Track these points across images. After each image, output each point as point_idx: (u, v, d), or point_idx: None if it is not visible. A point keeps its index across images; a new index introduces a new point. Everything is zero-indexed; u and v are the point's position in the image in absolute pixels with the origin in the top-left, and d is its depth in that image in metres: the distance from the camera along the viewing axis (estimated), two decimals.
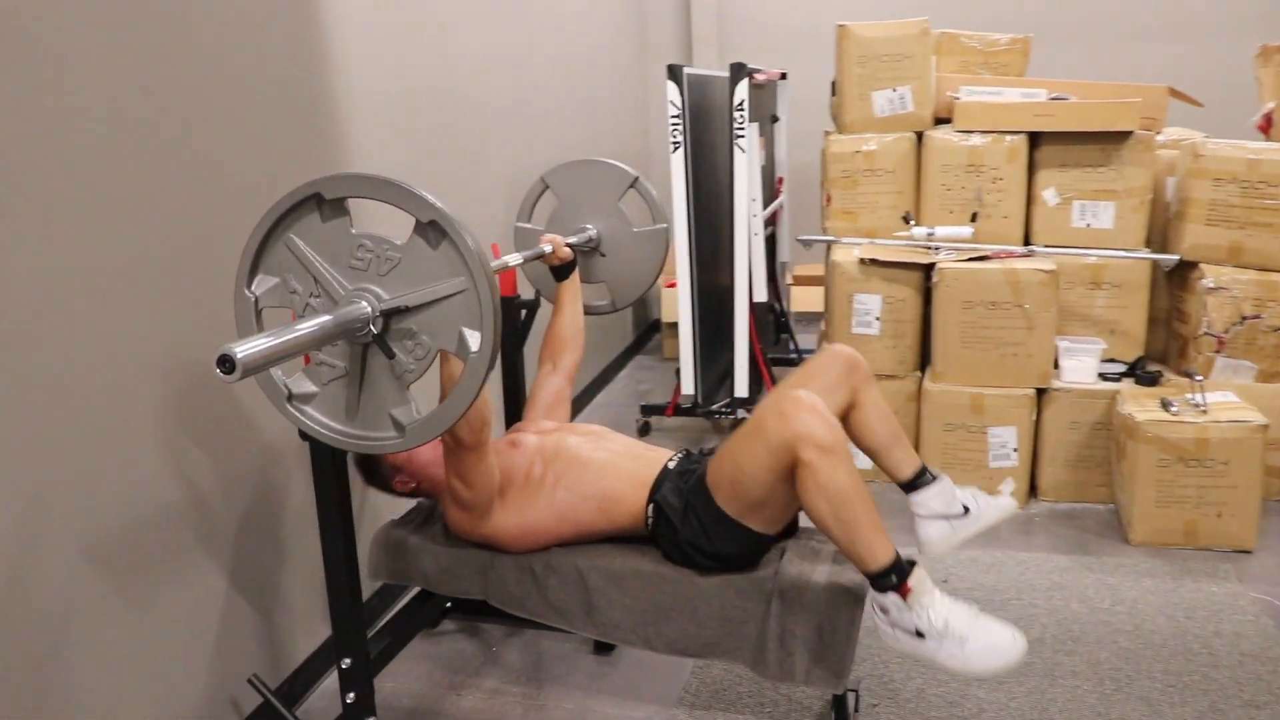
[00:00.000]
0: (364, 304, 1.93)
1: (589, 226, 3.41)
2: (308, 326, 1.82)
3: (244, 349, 1.65)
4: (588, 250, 3.42)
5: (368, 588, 3.08)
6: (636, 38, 6.90)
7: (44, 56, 2.03)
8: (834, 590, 2.52)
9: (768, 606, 2.48)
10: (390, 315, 1.95)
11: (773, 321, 5.87)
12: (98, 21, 2.16)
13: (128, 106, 2.25)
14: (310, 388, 2.07)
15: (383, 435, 2.03)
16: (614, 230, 3.41)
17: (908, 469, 2.73)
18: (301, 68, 2.93)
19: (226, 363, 1.62)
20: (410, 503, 3.19)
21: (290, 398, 2.07)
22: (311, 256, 1.98)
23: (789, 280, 6.23)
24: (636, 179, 3.38)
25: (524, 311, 3.32)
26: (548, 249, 3.10)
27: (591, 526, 2.66)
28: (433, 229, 1.90)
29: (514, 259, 2.90)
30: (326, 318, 1.88)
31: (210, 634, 2.59)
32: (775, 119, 5.69)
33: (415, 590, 3.29)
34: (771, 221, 5.55)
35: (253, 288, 2.03)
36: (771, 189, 5.61)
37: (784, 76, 5.79)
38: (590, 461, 2.68)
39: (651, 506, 2.60)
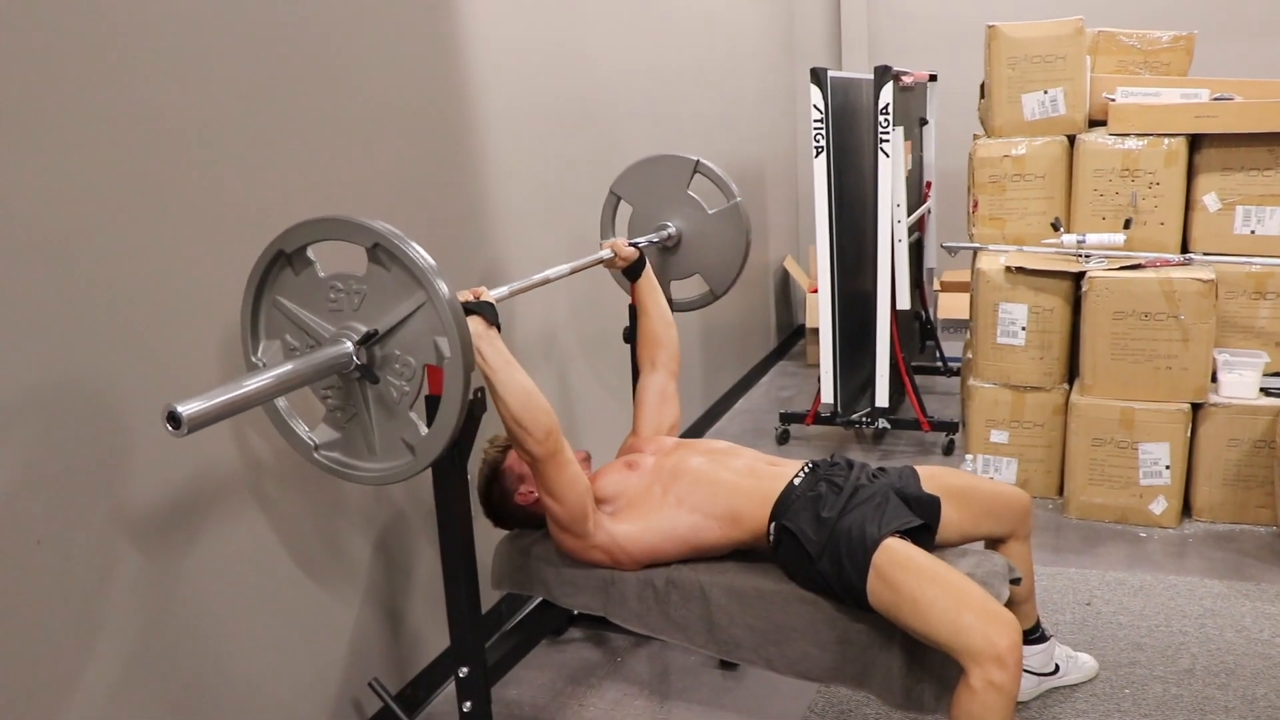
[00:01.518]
0: (344, 342, 1.98)
1: (667, 223, 3.40)
2: (266, 377, 1.84)
3: (189, 407, 1.65)
4: (671, 246, 3.43)
5: (494, 592, 3.14)
6: (784, 39, 6.86)
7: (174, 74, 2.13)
8: None
9: (895, 634, 2.44)
10: (371, 345, 1.99)
11: (918, 328, 5.77)
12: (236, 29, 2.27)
13: (270, 117, 2.35)
14: (333, 434, 2.14)
15: (400, 462, 2.07)
16: (691, 219, 3.39)
17: (1026, 624, 2.83)
18: (440, 84, 3.01)
19: (173, 419, 1.62)
20: None
21: (317, 448, 2.14)
22: (296, 310, 2.05)
23: (936, 286, 6.11)
24: (698, 162, 3.35)
25: None
26: (607, 254, 3.10)
27: (713, 546, 2.63)
28: (380, 252, 1.94)
29: (555, 272, 2.84)
30: (289, 366, 1.90)
31: (342, 638, 2.68)
32: (924, 122, 5.58)
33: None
34: (918, 227, 5.45)
35: (259, 355, 2.10)
36: (919, 193, 5.51)
37: (934, 78, 5.67)
38: (714, 482, 2.63)
39: (774, 526, 2.53)
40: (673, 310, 3.52)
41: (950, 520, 2.54)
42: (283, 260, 2.06)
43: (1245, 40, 6.12)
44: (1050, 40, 4.36)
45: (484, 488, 2.76)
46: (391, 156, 2.80)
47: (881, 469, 2.65)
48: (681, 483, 2.61)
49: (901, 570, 2.27)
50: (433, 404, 2.00)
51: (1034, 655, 2.90)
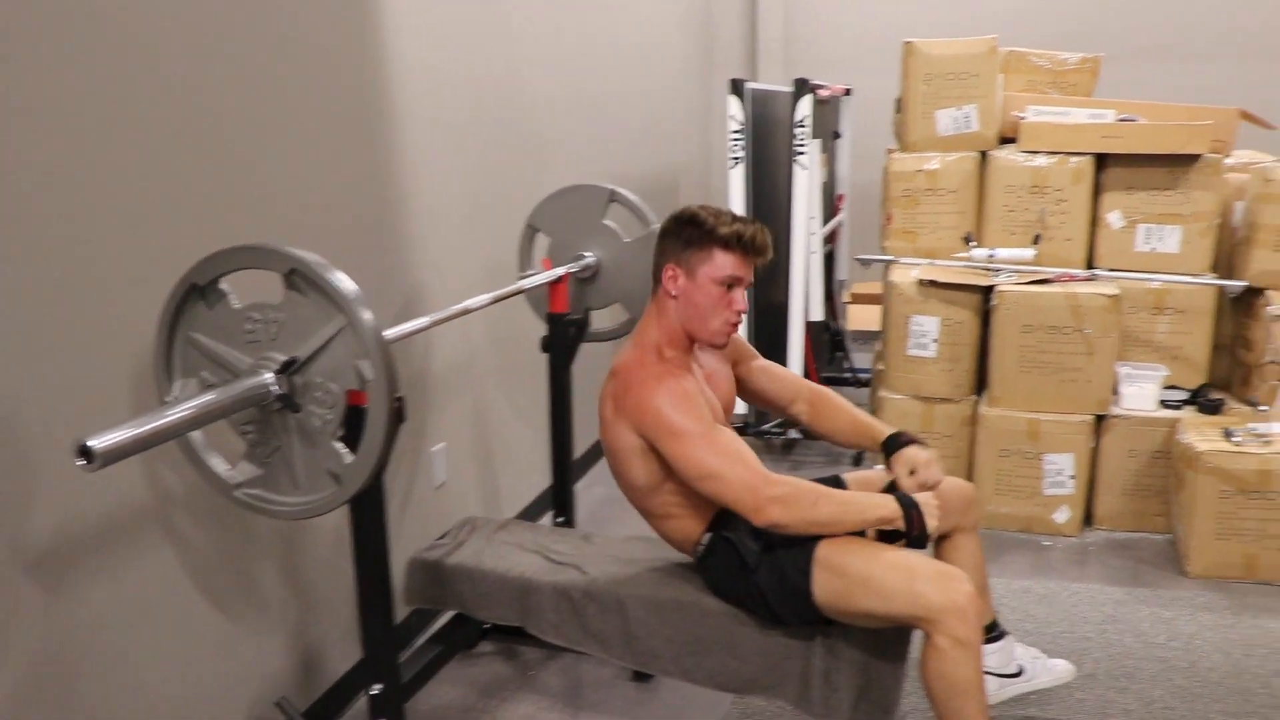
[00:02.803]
0: (262, 373, 1.96)
1: (585, 253, 3.42)
2: (183, 409, 1.81)
3: (102, 441, 1.62)
4: (589, 276, 3.45)
5: (405, 607, 3.10)
6: (702, 52, 6.90)
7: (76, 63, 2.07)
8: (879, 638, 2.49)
9: (812, 643, 2.46)
10: (291, 374, 1.97)
11: (828, 340, 5.84)
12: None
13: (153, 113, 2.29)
14: (254, 471, 2.10)
15: (325, 493, 2.05)
16: (609, 248, 3.43)
17: (983, 621, 2.79)
18: (359, 106, 2.96)
19: (85, 453, 1.60)
20: (444, 525, 3.22)
21: (238, 486, 2.10)
22: (211, 345, 2.02)
23: (846, 298, 6.19)
24: (614, 192, 3.40)
25: (573, 329, 3.34)
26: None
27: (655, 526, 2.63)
28: (297, 278, 1.93)
29: (475, 302, 2.85)
30: (207, 397, 1.87)
31: (249, 658, 2.61)
32: (838, 135, 5.66)
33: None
34: (831, 239, 5.52)
35: (174, 395, 2.04)
36: (832, 206, 5.58)
37: (848, 92, 5.76)
38: None
39: (710, 536, 2.52)
40: (593, 340, 3.55)
41: None
42: (195, 294, 2.02)
43: (1149, 64, 6.31)
44: (964, 58, 4.44)
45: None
46: (309, 181, 2.74)
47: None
48: None
49: (845, 555, 2.35)
50: (356, 430, 1.97)
51: (992, 654, 2.90)
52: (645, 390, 2.38)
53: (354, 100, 2.92)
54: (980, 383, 4.37)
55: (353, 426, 1.98)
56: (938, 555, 2.79)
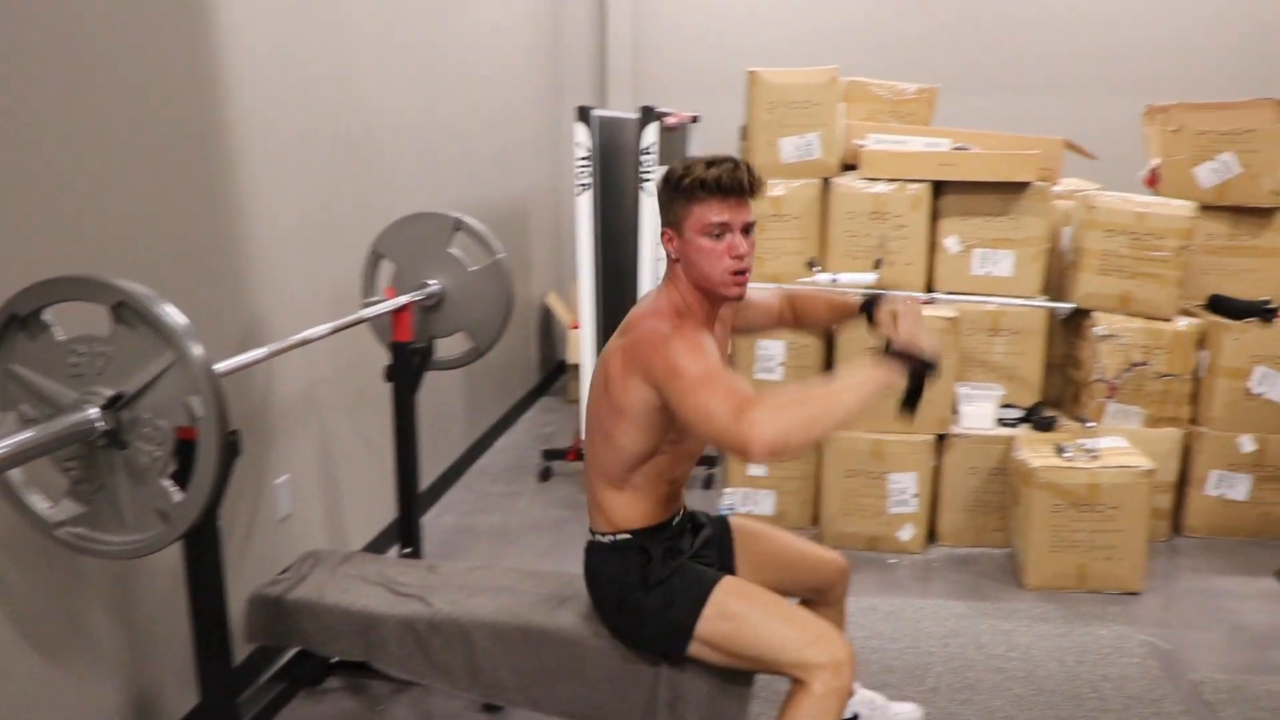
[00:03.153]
0: (86, 408, 1.89)
1: (429, 281, 3.39)
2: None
3: None
4: (434, 305, 3.41)
5: (247, 645, 2.99)
6: (551, 79, 6.91)
7: None
8: None
9: (658, 670, 2.45)
10: (118, 409, 1.90)
11: None
12: None
13: None
14: (78, 509, 2.02)
15: (153, 532, 1.98)
16: (454, 276, 3.40)
17: None
18: (194, 128, 2.86)
19: None
20: (288, 559, 3.12)
21: (59, 525, 2.02)
22: (32, 378, 1.94)
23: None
24: (459, 220, 3.38)
25: (417, 358, 3.29)
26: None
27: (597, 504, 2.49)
28: (125, 311, 1.87)
29: (314, 332, 2.79)
30: (25, 434, 1.79)
31: (70, 702, 2.48)
32: None
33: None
34: None
35: None
36: None
37: (696, 119, 5.81)
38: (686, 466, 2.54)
39: (630, 537, 2.42)
40: (438, 368, 3.50)
41: (769, 582, 2.51)
42: (16, 325, 1.92)
43: (982, 95, 6.55)
44: (806, 87, 4.54)
45: None
46: (140, 205, 2.63)
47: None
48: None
49: (743, 601, 2.34)
50: (186, 468, 1.90)
51: None
52: (658, 338, 2.22)
53: (187, 121, 2.82)
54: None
55: (184, 462, 1.91)
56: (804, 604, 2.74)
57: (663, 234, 2.37)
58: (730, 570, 2.57)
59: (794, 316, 2.80)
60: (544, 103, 6.71)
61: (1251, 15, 6.78)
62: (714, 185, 2.24)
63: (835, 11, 6.94)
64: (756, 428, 1.96)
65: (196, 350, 1.84)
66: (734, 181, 2.25)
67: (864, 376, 2.12)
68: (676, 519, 2.50)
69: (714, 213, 2.25)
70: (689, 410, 2.11)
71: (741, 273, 2.29)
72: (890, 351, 2.22)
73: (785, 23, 6.94)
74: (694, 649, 2.36)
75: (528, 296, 6.38)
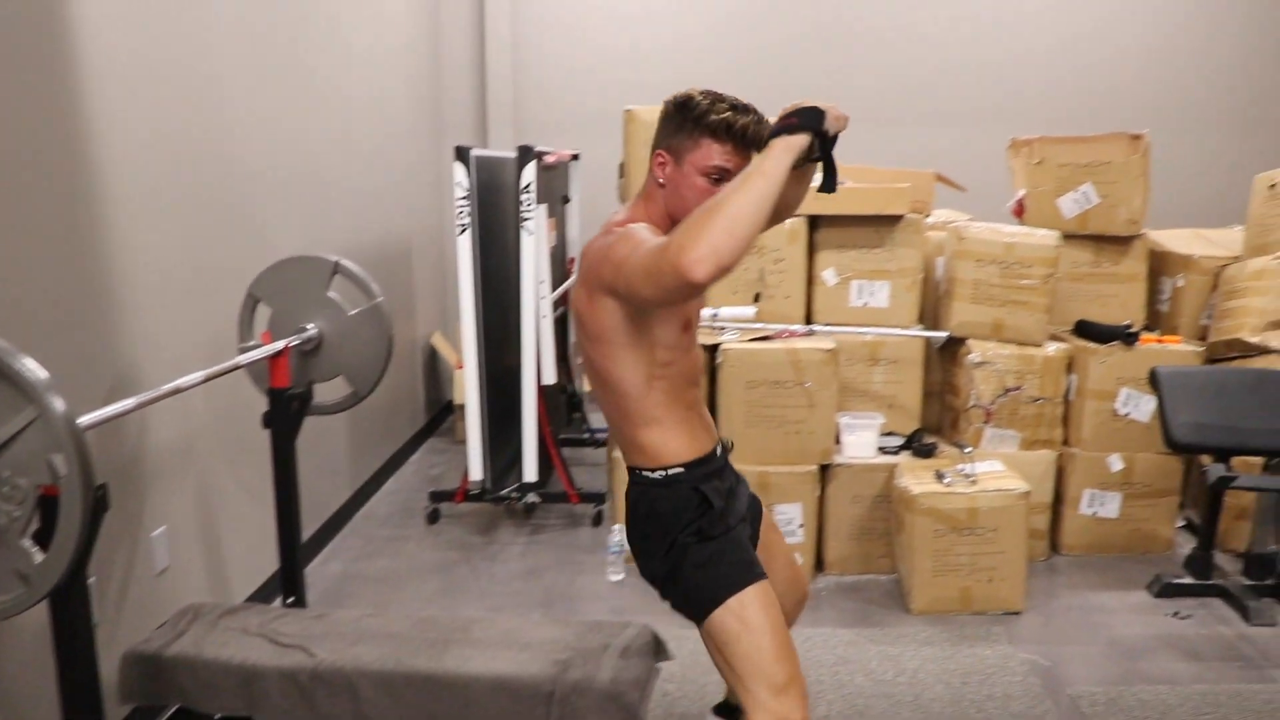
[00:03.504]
0: None
1: (307, 325, 3.34)
2: None
3: None
4: (312, 349, 3.37)
5: (123, 706, 2.89)
6: (432, 118, 6.88)
7: None
8: (615, 694, 2.50)
9: (547, 710, 2.44)
10: None
11: (565, 401, 5.88)
12: None
13: None
14: None
15: (12, 595, 1.92)
16: (333, 320, 3.37)
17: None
18: (56, 166, 2.79)
19: None
20: (166, 614, 3.03)
21: None
22: None
23: (580, 360, 6.25)
24: (338, 263, 3.35)
25: (295, 403, 3.23)
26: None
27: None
28: None
29: (186, 381, 2.73)
30: None
31: None
32: (566, 200, 5.74)
33: None
34: (563, 302, 5.56)
35: None
36: (563, 269, 5.64)
37: (576, 157, 5.86)
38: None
39: (681, 472, 2.36)
40: (317, 413, 3.44)
41: None
42: None
43: (857, 129, 6.65)
44: None
45: None
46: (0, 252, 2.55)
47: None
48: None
49: (762, 614, 2.29)
50: (49, 526, 1.83)
51: None
52: (602, 249, 2.19)
53: (50, 165, 2.74)
54: None
55: (48, 520, 1.84)
56: None
57: (655, 154, 2.31)
58: None
59: None
60: (426, 141, 6.68)
61: (1109, 51, 7.08)
62: (735, 131, 2.19)
63: (716, 50, 7.05)
64: (684, 251, 1.91)
65: (58, 405, 1.78)
66: (756, 136, 2.19)
67: (762, 156, 2.07)
68: (719, 451, 2.47)
69: (722, 157, 2.20)
70: (634, 283, 2.08)
71: None
72: (780, 124, 2.10)
73: (666, 61, 7.02)
74: (696, 620, 2.34)
75: (412, 337, 6.32)
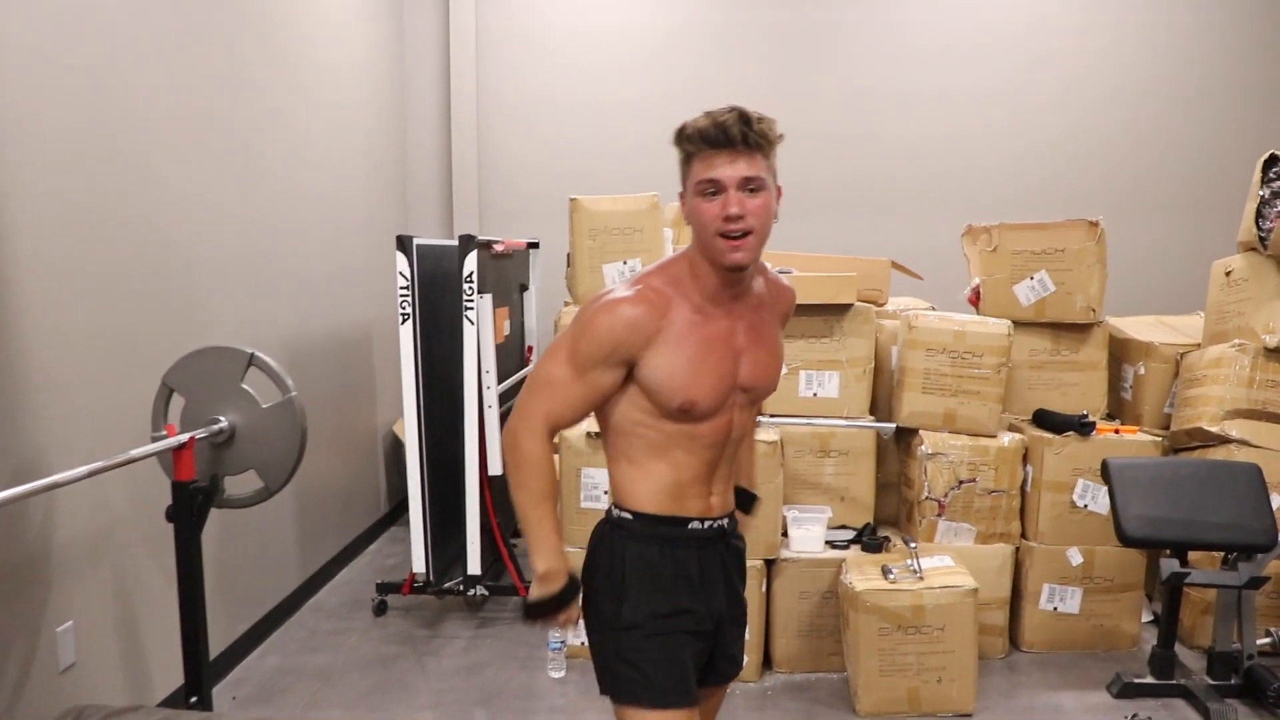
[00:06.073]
0: None
1: (219, 417, 3.27)
2: None
3: None
4: (223, 442, 3.28)
5: None
6: (398, 204, 6.89)
7: None
8: None
9: None
10: None
11: None
12: None
13: None
14: None
15: None
16: (246, 413, 3.29)
17: None
18: None
19: None
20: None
21: None
22: None
23: None
24: (253, 355, 3.28)
25: (200, 496, 3.15)
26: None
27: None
28: None
29: (142, 452, 2.70)
30: None
31: None
32: (524, 288, 5.70)
33: None
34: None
35: None
36: (520, 358, 5.58)
37: (534, 245, 5.82)
38: None
39: (634, 519, 2.27)
40: (226, 507, 3.36)
41: None
42: None
43: (814, 217, 6.67)
44: (628, 214, 4.57)
45: None
46: None
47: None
48: None
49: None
50: None
51: None
52: (580, 314, 2.18)
53: None
54: None
55: None
56: None
57: (680, 198, 2.21)
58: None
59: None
60: (389, 229, 6.66)
61: (1065, 139, 7.08)
62: (697, 137, 2.08)
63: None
64: (511, 436, 2.15)
65: None
66: (719, 132, 2.05)
67: (542, 551, 2.17)
68: (700, 524, 2.27)
69: (705, 168, 2.08)
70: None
71: (735, 235, 2.08)
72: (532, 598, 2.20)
73: (631, 152, 7.01)
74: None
75: (373, 424, 6.25)
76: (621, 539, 2.26)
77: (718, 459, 2.27)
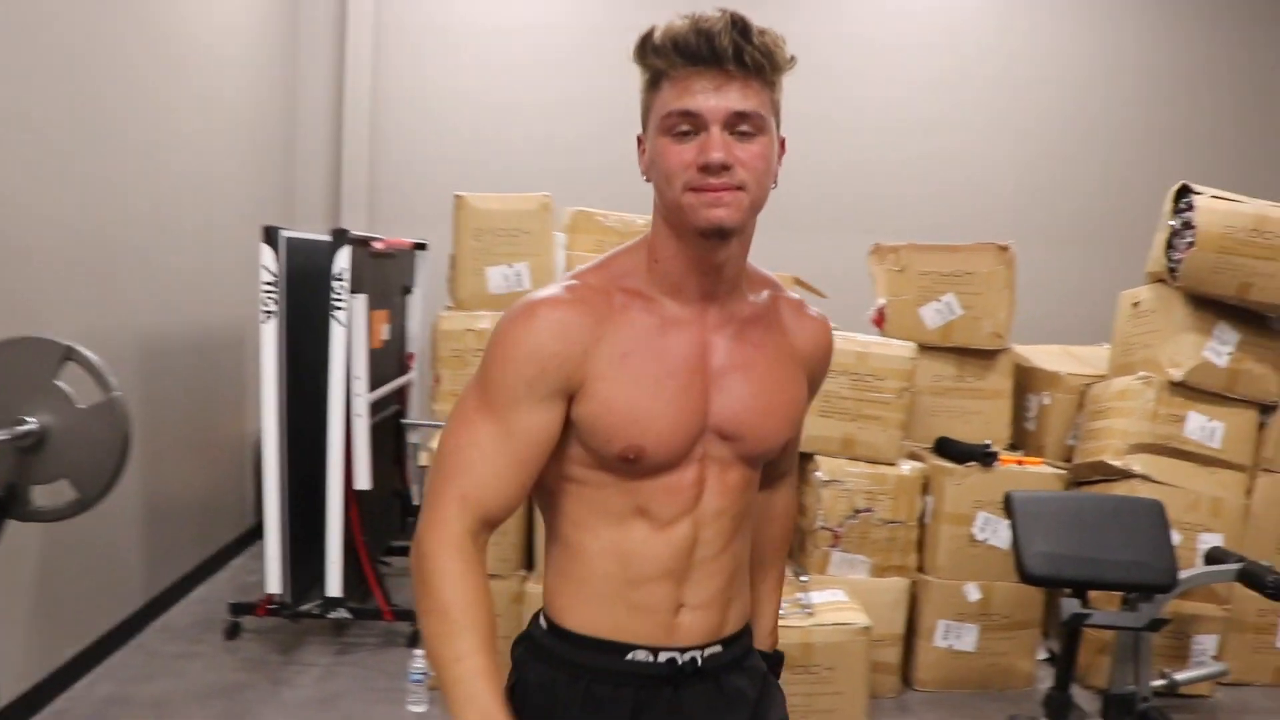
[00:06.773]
0: None
1: (27, 419, 2.85)
2: None
3: None
4: (32, 446, 2.86)
5: None
6: (283, 199, 6.49)
7: None
8: None
9: None
10: None
11: (400, 508, 5.45)
12: None
13: None
14: None
15: None
16: (60, 414, 2.87)
17: None
18: None
19: None
20: None
21: None
22: None
23: (423, 463, 5.85)
24: (70, 349, 2.87)
25: None
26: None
27: None
28: None
29: None
30: None
31: None
32: (408, 290, 5.38)
33: None
34: (398, 400, 5.17)
35: None
36: (399, 364, 5.26)
37: (422, 246, 5.50)
38: None
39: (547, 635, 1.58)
40: (30, 520, 2.95)
41: None
42: None
43: None
44: (516, 214, 4.29)
45: None
46: None
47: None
48: None
49: None
50: None
51: None
52: (496, 327, 1.50)
53: None
54: (530, 557, 4.08)
55: None
56: None
57: (639, 144, 1.54)
58: None
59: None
60: (269, 222, 6.24)
61: (980, 165, 7.01)
62: (669, 47, 1.40)
63: (584, 149, 6.75)
64: (415, 545, 1.46)
65: None
66: (703, 41, 1.38)
67: (461, 700, 1.38)
68: (648, 656, 1.53)
69: (678, 94, 1.41)
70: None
71: (709, 190, 1.41)
72: None
73: (529, 152, 6.74)
74: None
75: (240, 431, 5.84)
76: (521, 659, 1.60)
77: (691, 544, 1.53)
